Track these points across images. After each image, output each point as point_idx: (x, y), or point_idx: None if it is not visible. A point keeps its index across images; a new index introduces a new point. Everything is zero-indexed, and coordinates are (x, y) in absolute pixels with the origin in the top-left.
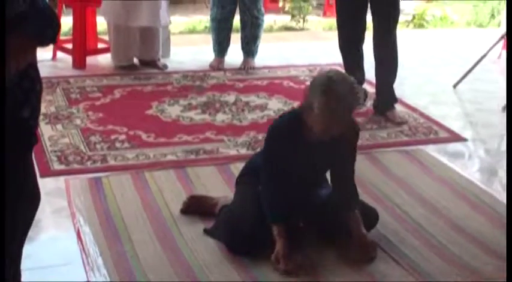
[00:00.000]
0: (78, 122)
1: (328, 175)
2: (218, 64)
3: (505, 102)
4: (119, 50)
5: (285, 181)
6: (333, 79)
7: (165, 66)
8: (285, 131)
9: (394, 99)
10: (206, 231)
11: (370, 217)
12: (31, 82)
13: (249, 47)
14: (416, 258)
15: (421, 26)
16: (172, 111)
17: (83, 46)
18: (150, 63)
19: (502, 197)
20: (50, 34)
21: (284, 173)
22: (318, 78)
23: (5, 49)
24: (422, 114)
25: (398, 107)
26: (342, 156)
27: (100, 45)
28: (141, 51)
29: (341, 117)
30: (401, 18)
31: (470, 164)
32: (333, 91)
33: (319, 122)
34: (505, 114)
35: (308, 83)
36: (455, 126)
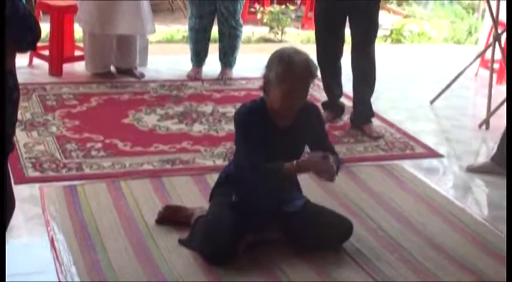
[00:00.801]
0: (53, 129)
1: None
2: (196, 74)
3: (482, 120)
4: (96, 57)
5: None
6: (287, 50)
7: (142, 75)
8: (250, 115)
9: (371, 114)
10: (181, 242)
11: (344, 229)
12: (8, 89)
13: (227, 57)
14: (391, 273)
15: (398, 41)
16: (149, 120)
17: (59, 53)
18: (127, 71)
19: (476, 213)
20: (30, 40)
21: (259, 154)
22: (274, 53)
23: (4, 50)
24: (399, 130)
25: (375, 122)
26: (315, 138)
27: (77, 53)
28: (118, 59)
29: (298, 86)
30: (379, 33)
31: (445, 180)
32: (289, 59)
33: (278, 94)
34: (480, 131)
35: None
36: (431, 142)
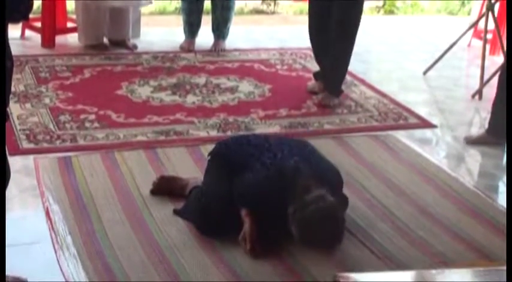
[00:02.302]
0: (47, 101)
1: None
2: (189, 46)
3: (475, 90)
4: (88, 29)
5: None
6: (319, 214)
7: (135, 47)
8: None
9: (338, 92)
10: (176, 212)
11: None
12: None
13: (220, 29)
14: (385, 242)
15: (391, 12)
16: (143, 91)
17: (52, 25)
18: (120, 43)
19: (468, 183)
20: (22, 10)
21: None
22: (304, 210)
23: (5, 46)
24: (392, 100)
25: (368, 92)
26: None
27: (69, 25)
28: (111, 30)
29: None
30: (372, 4)
31: (438, 150)
32: (311, 232)
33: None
34: (473, 101)
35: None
36: (424, 112)
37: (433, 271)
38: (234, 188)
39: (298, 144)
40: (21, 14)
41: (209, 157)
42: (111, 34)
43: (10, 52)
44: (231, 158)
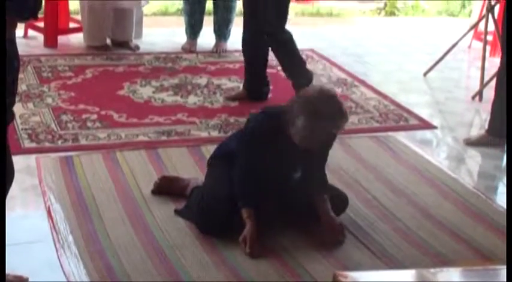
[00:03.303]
0: (49, 100)
1: None
2: (190, 46)
3: (475, 92)
4: (93, 30)
5: (260, 172)
6: (317, 98)
7: (137, 47)
8: (266, 133)
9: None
10: (177, 212)
11: (340, 202)
12: (9, 58)
13: (222, 30)
14: (385, 243)
15: (392, 13)
16: (144, 92)
17: (54, 25)
18: (123, 43)
19: (468, 184)
20: (31, 9)
21: (260, 166)
22: (307, 96)
23: (5, 46)
24: (392, 101)
25: (369, 93)
26: (319, 153)
27: (72, 25)
28: (114, 31)
29: (323, 137)
30: (373, 5)
31: (438, 151)
32: (315, 111)
33: (301, 137)
34: (474, 103)
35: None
36: (425, 113)
37: (432, 270)
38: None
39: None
40: (31, 12)
41: (209, 159)
42: (114, 35)
43: (17, 52)
44: (231, 158)
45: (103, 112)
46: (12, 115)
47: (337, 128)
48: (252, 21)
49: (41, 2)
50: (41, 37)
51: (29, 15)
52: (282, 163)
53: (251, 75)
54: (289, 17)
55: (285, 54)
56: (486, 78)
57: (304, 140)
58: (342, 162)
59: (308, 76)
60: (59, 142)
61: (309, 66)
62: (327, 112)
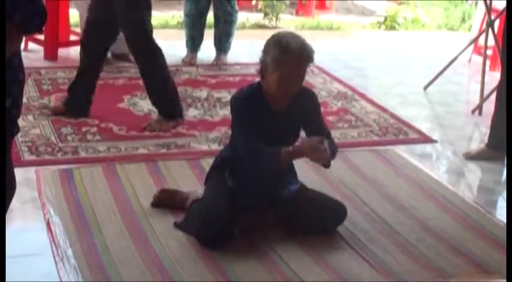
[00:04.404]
0: (49, 113)
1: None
2: (191, 59)
3: (475, 106)
4: None
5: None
6: (283, 34)
7: None
8: (247, 100)
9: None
10: (177, 225)
11: (339, 212)
12: (15, 71)
13: (222, 43)
14: (385, 256)
15: (392, 27)
16: (144, 105)
17: (55, 38)
18: (122, 56)
19: (468, 198)
20: (37, 23)
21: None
22: (271, 37)
23: (5, 50)
24: (392, 115)
25: (369, 107)
26: (311, 123)
27: (72, 38)
28: (114, 44)
29: (294, 70)
30: (373, 19)
31: (438, 165)
32: (285, 43)
33: (275, 78)
34: (473, 117)
35: None
36: (425, 127)
37: None
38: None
39: None
40: (36, 26)
41: (209, 171)
42: (114, 48)
43: (22, 65)
44: (227, 164)
45: (103, 125)
46: (18, 128)
47: (307, 59)
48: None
49: (47, 16)
50: (41, 50)
51: (34, 29)
52: (273, 136)
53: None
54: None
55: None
56: (486, 92)
57: (281, 82)
58: (341, 176)
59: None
60: (59, 155)
61: (310, 79)
62: (293, 41)
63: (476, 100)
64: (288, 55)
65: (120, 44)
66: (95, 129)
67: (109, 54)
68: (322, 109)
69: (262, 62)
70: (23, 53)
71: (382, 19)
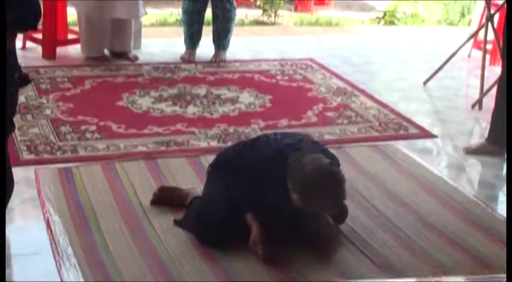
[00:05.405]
0: (48, 112)
1: None
2: (189, 57)
3: (475, 100)
4: (90, 41)
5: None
6: (316, 181)
7: (136, 58)
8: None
9: None
10: (176, 222)
11: (340, 213)
12: (10, 69)
13: (221, 40)
14: (385, 252)
15: (392, 23)
16: (143, 102)
17: (53, 36)
18: (121, 54)
19: (469, 192)
20: (31, 20)
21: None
22: (304, 171)
23: (5, 50)
24: (392, 110)
25: (369, 102)
26: None
27: (70, 36)
28: (113, 42)
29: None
30: (373, 15)
31: (438, 160)
32: (315, 196)
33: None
34: (473, 111)
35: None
36: (425, 122)
37: (433, 279)
38: (234, 191)
39: (293, 136)
40: (30, 23)
41: (209, 168)
42: (113, 46)
43: (18, 63)
44: (230, 168)
45: (102, 123)
46: (13, 126)
47: (339, 199)
48: None
49: (41, 13)
50: (39, 49)
51: (29, 26)
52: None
53: None
54: None
55: None
56: (486, 87)
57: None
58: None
59: None
60: (58, 153)
61: (309, 75)
62: (323, 194)
63: (476, 95)
64: (312, 207)
65: (119, 42)
66: (93, 127)
67: (107, 52)
68: (322, 105)
69: (291, 179)
70: (21, 52)
71: (381, 14)
